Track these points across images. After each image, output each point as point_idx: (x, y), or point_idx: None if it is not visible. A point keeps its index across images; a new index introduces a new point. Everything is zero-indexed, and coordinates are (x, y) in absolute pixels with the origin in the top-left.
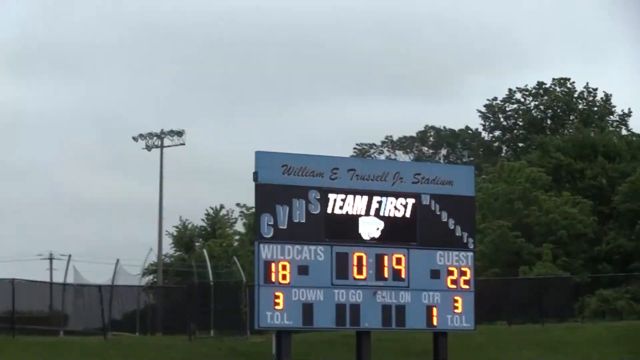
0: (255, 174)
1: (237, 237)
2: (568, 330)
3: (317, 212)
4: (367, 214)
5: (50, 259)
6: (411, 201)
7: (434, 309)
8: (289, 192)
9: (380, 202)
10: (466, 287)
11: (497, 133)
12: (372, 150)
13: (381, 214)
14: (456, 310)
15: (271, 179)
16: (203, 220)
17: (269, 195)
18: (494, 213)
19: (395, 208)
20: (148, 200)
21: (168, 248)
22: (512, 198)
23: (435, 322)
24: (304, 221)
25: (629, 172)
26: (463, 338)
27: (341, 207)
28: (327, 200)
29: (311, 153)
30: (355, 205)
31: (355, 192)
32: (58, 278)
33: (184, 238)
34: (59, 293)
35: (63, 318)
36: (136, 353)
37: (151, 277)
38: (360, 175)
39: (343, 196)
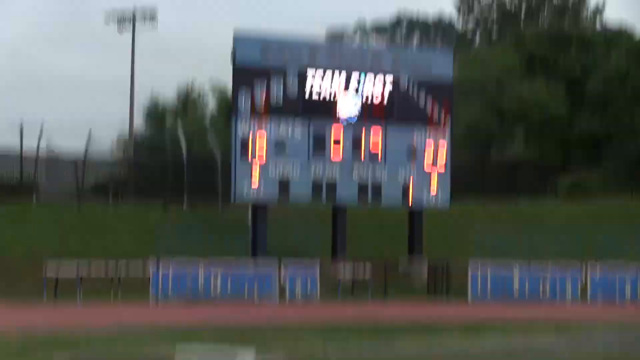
0: (234, 53)
1: (209, 113)
2: (543, 209)
3: (296, 89)
4: (346, 92)
5: (21, 129)
6: (389, 81)
7: (410, 187)
8: (267, 70)
9: (359, 81)
10: (442, 166)
11: (470, 25)
12: (344, 39)
13: (359, 92)
14: (432, 189)
15: (250, 57)
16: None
17: (247, 73)
18: (467, 97)
19: (374, 87)
20: (119, 80)
21: (140, 125)
22: (485, 83)
23: (410, 200)
24: (282, 98)
25: (602, 64)
26: (438, 216)
27: (320, 85)
28: (306, 77)
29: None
30: (333, 82)
31: (334, 69)
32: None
33: (156, 114)
34: (31, 162)
35: (36, 187)
36: (111, 223)
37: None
38: (339, 57)
39: (322, 73)
